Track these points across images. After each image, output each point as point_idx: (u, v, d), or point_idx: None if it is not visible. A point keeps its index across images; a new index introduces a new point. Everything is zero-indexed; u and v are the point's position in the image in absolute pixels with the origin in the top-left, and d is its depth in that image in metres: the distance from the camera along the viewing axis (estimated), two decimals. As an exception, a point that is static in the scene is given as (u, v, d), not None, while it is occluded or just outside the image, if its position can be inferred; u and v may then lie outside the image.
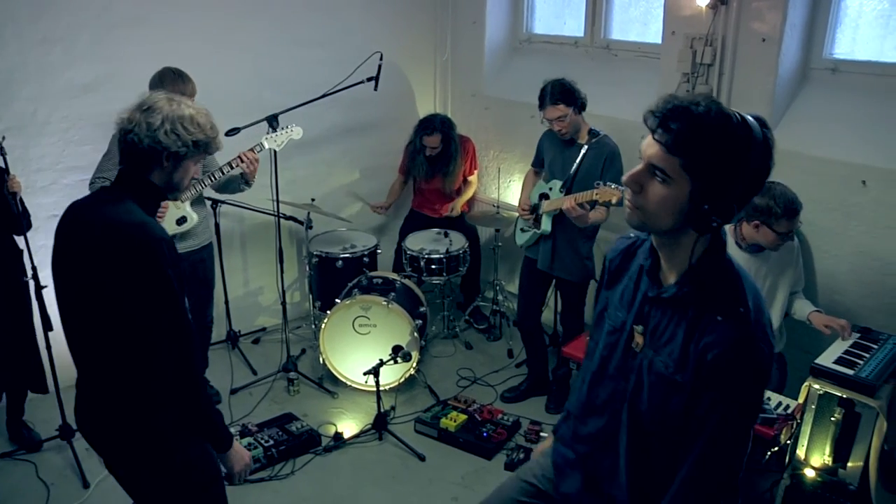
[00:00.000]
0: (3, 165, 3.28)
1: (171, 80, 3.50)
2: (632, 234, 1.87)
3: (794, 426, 2.92)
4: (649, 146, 1.59)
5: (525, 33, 5.27)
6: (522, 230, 4.11)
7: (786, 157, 3.62)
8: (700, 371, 1.59)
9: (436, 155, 4.86)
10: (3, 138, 3.25)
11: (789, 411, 2.91)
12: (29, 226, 3.52)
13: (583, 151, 3.74)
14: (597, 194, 3.45)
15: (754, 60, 3.69)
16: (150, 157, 2.06)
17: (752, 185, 1.57)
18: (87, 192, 3.61)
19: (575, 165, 3.75)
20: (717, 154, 1.50)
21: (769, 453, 2.84)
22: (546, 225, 3.89)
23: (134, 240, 1.98)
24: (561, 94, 3.70)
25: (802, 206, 3.16)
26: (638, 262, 1.81)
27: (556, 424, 2.17)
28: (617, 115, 4.27)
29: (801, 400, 2.94)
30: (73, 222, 2.17)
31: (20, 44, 3.80)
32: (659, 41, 4.20)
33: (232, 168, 3.71)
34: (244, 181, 3.82)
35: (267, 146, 3.89)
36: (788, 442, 2.93)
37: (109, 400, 2.13)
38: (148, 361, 2.03)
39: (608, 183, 3.45)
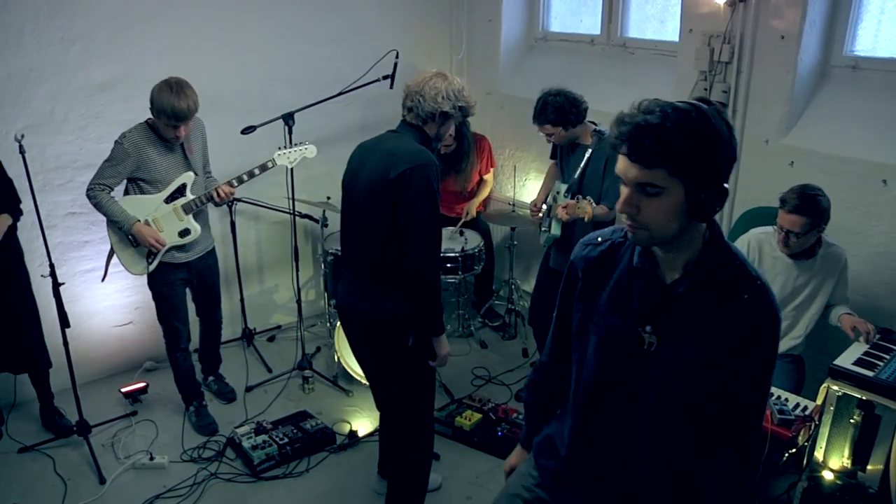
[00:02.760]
0: (24, 165, 3.31)
1: (171, 92, 3.45)
2: (599, 239, 1.88)
3: (812, 428, 2.89)
4: (629, 169, 1.60)
5: (541, 31, 5.25)
6: (543, 230, 4.09)
7: (804, 156, 3.61)
8: (741, 347, 1.66)
9: (449, 153, 4.85)
10: (23, 136, 3.27)
11: (807, 413, 2.88)
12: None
13: (587, 155, 3.71)
14: (578, 208, 3.48)
15: (773, 58, 3.66)
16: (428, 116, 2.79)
17: (728, 159, 1.63)
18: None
19: (579, 171, 3.73)
20: (692, 149, 1.55)
21: (787, 455, 2.81)
22: (556, 229, 3.86)
23: (409, 159, 2.66)
24: (554, 114, 3.63)
25: (820, 213, 3.08)
26: (623, 265, 1.80)
27: (530, 441, 2.18)
28: (633, 113, 4.24)
29: (819, 401, 2.91)
30: (364, 150, 2.91)
31: (38, 43, 3.83)
32: (676, 39, 4.17)
33: (214, 199, 3.75)
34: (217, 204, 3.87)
35: (279, 163, 3.89)
36: (806, 444, 2.89)
37: (370, 286, 2.85)
38: (406, 253, 2.69)
39: (587, 197, 3.49)
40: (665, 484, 1.83)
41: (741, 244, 3.39)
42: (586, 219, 3.44)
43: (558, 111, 3.62)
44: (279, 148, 3.94)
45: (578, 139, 3.76)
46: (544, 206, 3.98)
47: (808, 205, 3.06)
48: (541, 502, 2.05)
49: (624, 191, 1.63)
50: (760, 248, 3.36)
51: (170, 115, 3.41)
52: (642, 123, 1.56)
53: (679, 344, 1.71)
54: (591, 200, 3.47)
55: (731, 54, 3.79)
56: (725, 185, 1.63)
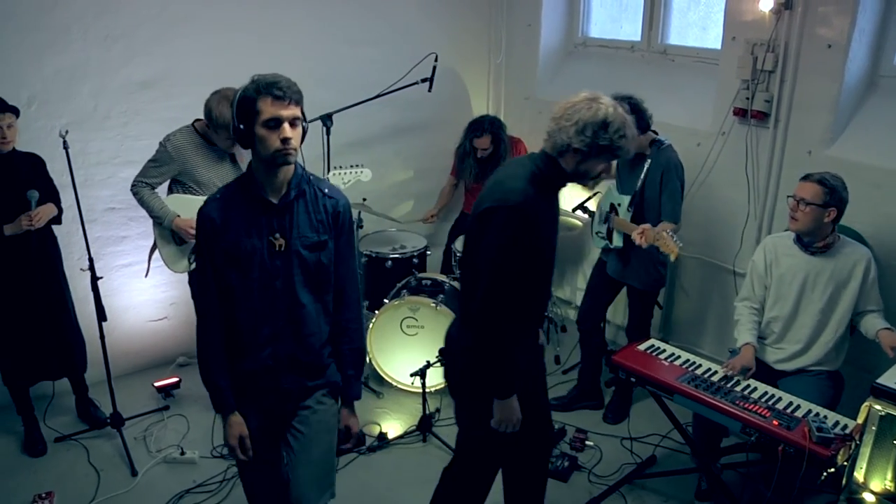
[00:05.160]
0: (67, 160, 3.36)
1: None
2: (218, 196, 2.36)
3: (853, 447, 2.81)
4: (284, 110, 2.24)
5: (580, 37, 5.21)
6: (598, 234, 4.05)
7: (849, 167, 3.52)
8: (335, 223, 2.40)
9: (486, 157, 4.84)
10: (67, 132, 3.33)
11: (847, 431, 2.81)
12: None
13: (646, 166, 3.68)
14: (660, 240, 3.42)
15: (819, 67, 3.58)
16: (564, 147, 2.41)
17: None
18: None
19: (640, 182, 3.69)
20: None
21: (825, 474, 2.74)
22: (617, 241, 3.83)
23: (499, 197, 2.39)
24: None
25: (836, 193, 3.09)
26: (241, 203, 2.32)
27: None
28: (672, 121, 4.20)
29: (860, 420, 2.83)
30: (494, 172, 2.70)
31: (84, 41, 3.89)
32: (718, 47, 4.11)
33: None
34: None
35: (333, 182, 3.90)
36: (846, 463, 2.82)
37: (459, 314, 2.81)
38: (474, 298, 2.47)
39: (667, 231, 3.43)
40: (312, 332, 2.45)
41: (758, 250, 3.43)
42: (672, 257, 3.41)
43: (633, 112, 3.58)
44: (335, 167, 3.98)
45: (641, 148, 3.72)
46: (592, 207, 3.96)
47: (828, 181, 3.10)
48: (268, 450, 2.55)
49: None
50: (776, 250, 3.35)
51: (228, 129, 3.43)
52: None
53: (300, 234, 2.35)
54: (673, 234, 3.42)
55: (775, 63, 3.72)
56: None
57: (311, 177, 2.43)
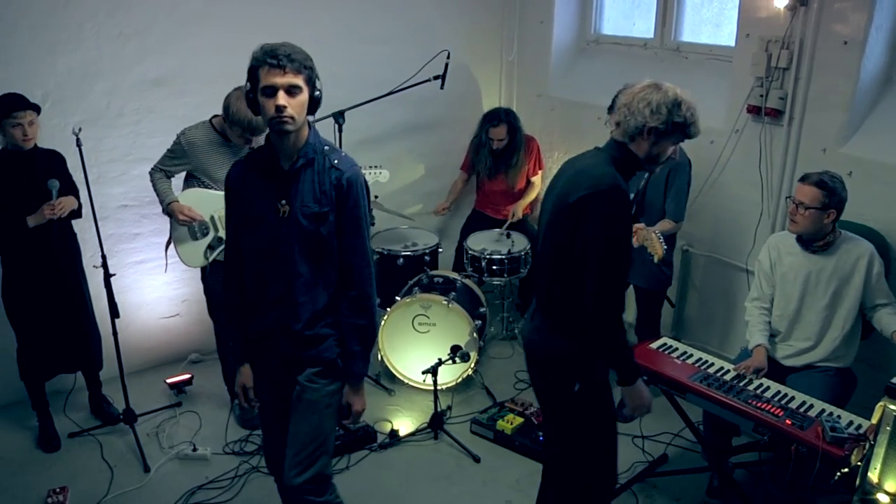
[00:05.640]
0: (80, 157, 3.39)
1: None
2: (242, 159, 2.55)
3: (867, 448, 2.79)
4: (279, 78, 2.26)
5: (593, 34, 5.19)
6: None
7: (864, 165, 3.50)
8: (338, 195, 2.38)
9: (501, 148, 4.83)
10: (80, 130, 3.35)
11: (861, 431, 2.79)
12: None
13: None
14: (648, 242, 3.38)
15: (834, 64, 3.55)
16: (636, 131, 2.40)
17: None
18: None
19: (642, 183, 3.67)
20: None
21: (838, 474, 2.72)
22: None
23: (591, 184, 2.34)
24: None
25: (836, 195, 3.08)
26: (258, 168, 2.42)
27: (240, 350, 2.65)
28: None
29: (874, 420, 2.81)
30: (562, 168, 2.59)
31: (97, 39, 3.91)
32: (732, 44, 4.09)
33: None
34: None
35: None
36: (859, 464, 2.80)
37: (543, 319, 2.61)
38: (584, 289, 2.39)
39: (656, 232, 3.40)
40: (314, 302, 2.47)
41: (763, 249, 3.44)
42: (656, 259, 3.36)
43: None
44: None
45: None
46: None
47: (827, 183, 3.09)
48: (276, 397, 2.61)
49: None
50: (779, 248, 3.36)
51: (245, 127, 3.44)
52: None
53: (303, 204, 2.37)
54: (661, 237, 3.40)
55: (790, 60, 3.69)
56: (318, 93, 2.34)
57: (327, 147, 2.44)
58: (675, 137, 2.41)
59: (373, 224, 4.57)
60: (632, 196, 3.72)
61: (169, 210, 3.63)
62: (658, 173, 3.65)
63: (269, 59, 2.21)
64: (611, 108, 3.69)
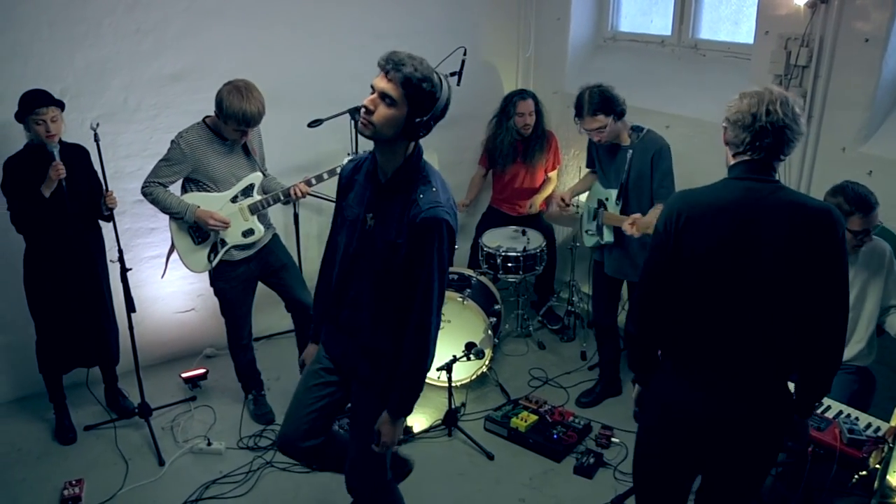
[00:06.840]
0: (98, 152, 3.40)
1: (241, 97, 3.43)
2: (350, 155, 2.63)
3: (886, 450, 2.76)
4: (380, 81, 2.21)
5: (610, 31, 5.17)
6: (588, 233, 4.03)
7: (884, 164, 3.46)
8: (411, 233, 2.28)
9: (528, 134, 4.82)
10: (98, 125, 3.36)
11: (880, 434, 2.76)
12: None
13: (629, 156, 3.64)
14: (650, 230, 3.33)
15: (855, 62, 3.51)
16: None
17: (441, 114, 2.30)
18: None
19: (625, 173, 3.65)
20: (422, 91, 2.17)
21: (856, 476, 2.70)
22: (608, 236, 3.80)
23: (824, 217, 2.10)
24: (600, 103, 3.56)
25: (878, 202, 3.00)
26: (364, 171, 2.45)
27: (318, 335, 2.77)
28: (703, 116, 4.14)
29: (893, 423, 2.79)
30: (749, 208, 2.16)
31: (115, 35, 3.93)
32: (750, 41, 4.06)
33: (290, 195, 3.73)
34: (286, 201, 3.90)
35: None
36: (878, 466, 2.77)
37: (758, 380, 2.25)
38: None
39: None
40: (378, 320, 2.45)
41: None
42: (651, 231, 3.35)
43: (606, 99, 3.57)
44: (348, 153, 3.97)
45: (619, 136, 3.70)
46: (574, 206, 4.08)
47: (868, 201, 3.00)
48: (327, 369, 2.66)
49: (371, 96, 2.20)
50: None
51: (240, 119, 3.41)
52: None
53: (385, 226, 2.34)
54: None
55: (809, 58, 3.66)
56: (431, 123, 2.27)
57: (424, 175, 2.33)
58: None
59: (451, 265, 4.51)
60: (616, 191, 3.72)
61: (195, 218, 3.57)
62: (639, 161, 3.64)
63: (382, 60, 2.21)
64: (578, 115, 3.69)
